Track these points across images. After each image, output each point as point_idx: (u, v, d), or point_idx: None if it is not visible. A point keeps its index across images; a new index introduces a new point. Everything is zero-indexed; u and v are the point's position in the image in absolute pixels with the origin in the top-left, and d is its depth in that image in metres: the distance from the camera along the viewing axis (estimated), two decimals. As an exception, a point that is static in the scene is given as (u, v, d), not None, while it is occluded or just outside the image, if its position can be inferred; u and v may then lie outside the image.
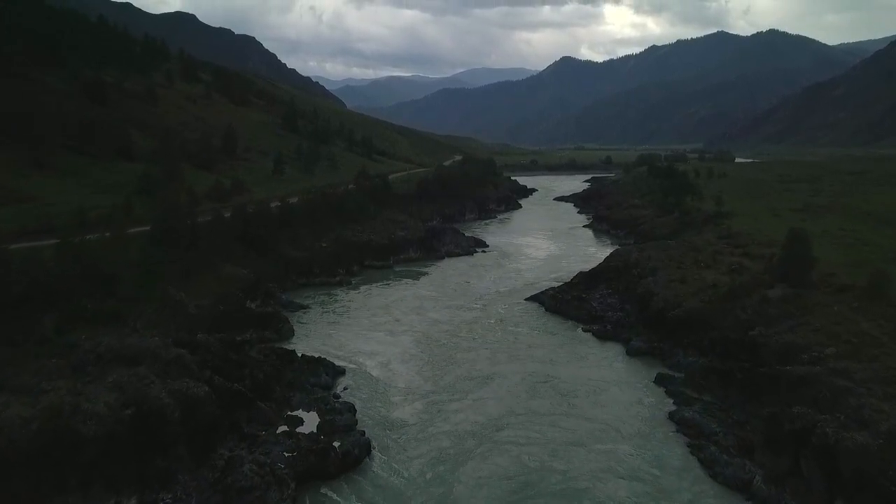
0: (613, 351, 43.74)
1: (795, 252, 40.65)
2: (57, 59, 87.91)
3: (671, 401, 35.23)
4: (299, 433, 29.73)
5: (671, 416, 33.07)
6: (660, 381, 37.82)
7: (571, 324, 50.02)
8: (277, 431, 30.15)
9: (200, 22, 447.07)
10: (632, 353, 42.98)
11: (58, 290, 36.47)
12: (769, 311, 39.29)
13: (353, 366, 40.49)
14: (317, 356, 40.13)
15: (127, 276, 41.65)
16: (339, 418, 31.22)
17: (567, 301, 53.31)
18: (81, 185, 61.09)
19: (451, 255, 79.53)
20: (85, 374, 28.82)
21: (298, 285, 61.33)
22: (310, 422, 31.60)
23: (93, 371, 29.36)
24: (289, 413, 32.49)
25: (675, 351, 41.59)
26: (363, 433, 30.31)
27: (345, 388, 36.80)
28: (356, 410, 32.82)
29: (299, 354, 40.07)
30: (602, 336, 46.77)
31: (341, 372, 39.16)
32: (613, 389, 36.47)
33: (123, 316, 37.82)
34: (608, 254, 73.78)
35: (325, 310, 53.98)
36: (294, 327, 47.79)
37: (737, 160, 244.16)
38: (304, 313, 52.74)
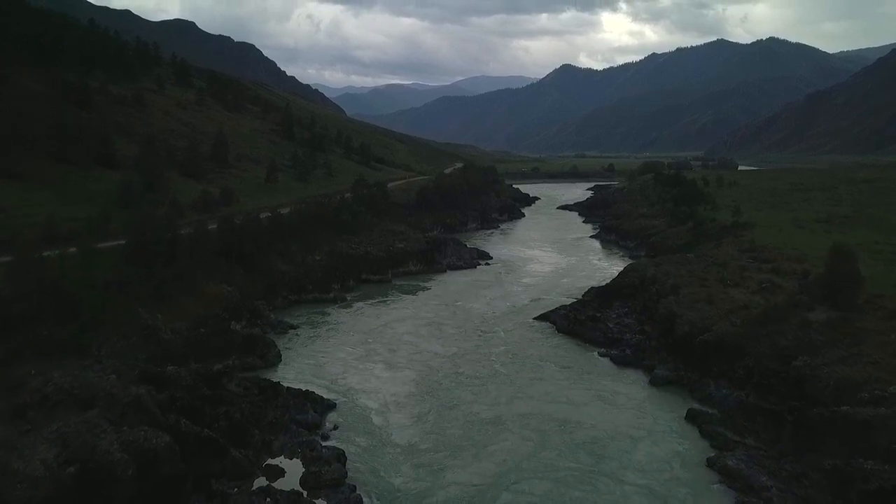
0: (635, 380, 39.31)
1: (840, 270, 36.32)
2: (40, 61, 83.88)
3: (707, 443, 30.82)
4: (278, 490, 25.26)
5: (710, 463, 28.63)
6: (692, 418, 33.40)
7: (586, 347, 45.61)
8: (253, 487, 25.71)
9: (200, 29, 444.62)
10: (656, 382, 38.60)
11: (8, 316, 32.13)
12: (812, 337, 34.92)
13: (345, 399, 36.07)
14: (304, 389, 35.70)
15: (93, 297, 37.28)
16: (327, 469, 26.76)
17: (581, 321, 48.92)
18: (56, 194, 56.83)
19: (452, 268, 75.25)
20: (25, 422, 24.48)
21: (289, 302, 56.97)
22: (292, 473, 27.15)
23: (35, 417, 24.98)
24: (268, 461, 28.04)
25: (706, 381, 37.19)
26: (354, 489, 25.90)
27: (334, 428, 32.37)
28: (346, 459, 28.33)
29: (285, 386, 35.62)
30: (621, 362, 42.38)
31: (331, 406, 34.76)
32: (640, 431, 31.96)
33: (85, 344, 33.48)
34: (620, 267, 69.71)
35: (317, 332, 49.55)
36: (282, 352, 43.38)
37: (740, 168, 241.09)
38: (295, 335, 48.35)
